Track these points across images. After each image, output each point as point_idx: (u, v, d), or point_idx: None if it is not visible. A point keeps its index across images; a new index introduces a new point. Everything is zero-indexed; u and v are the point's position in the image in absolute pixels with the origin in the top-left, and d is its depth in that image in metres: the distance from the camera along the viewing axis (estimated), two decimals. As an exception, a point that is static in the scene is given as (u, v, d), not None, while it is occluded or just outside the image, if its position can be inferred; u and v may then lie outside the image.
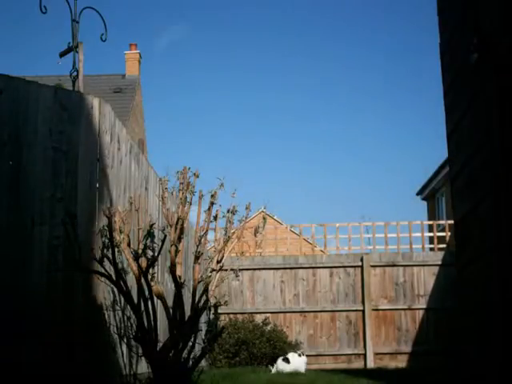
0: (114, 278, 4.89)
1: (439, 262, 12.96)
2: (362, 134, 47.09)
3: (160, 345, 5.06)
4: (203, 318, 6.48)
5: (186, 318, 5.20)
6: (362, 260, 13.06)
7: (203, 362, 9.19)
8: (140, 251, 5.05)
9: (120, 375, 5.57)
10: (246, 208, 5.62)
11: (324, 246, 14.48)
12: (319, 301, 13.05)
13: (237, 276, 5.61)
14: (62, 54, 5.86)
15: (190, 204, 5.31)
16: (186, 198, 5.27)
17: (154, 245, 5.33)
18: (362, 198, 45.01)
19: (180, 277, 5.27)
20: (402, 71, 46.36)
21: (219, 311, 11.67)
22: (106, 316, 5.31)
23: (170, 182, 5.35)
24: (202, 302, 5.35)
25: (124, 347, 5.61)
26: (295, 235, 17.37)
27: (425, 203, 23.16)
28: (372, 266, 13.04)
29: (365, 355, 12.74)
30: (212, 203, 5.38)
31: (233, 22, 44.08)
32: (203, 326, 5.66)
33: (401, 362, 12.59)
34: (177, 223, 5.20)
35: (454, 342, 9.42)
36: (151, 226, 5.33)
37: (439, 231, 15.13)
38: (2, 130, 4.65)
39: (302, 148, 47.34)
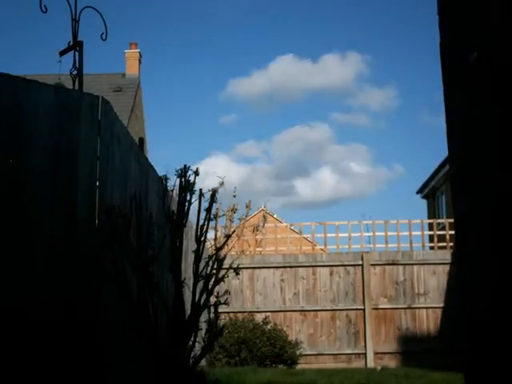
0: (113, 276, 4.90)
1: (439, 261, 12.97)
2: (361, 133, 47.08)
3: (160, 344, 5.06)
4: (203, 317, 6.48)
5: (186, 316, 5.20)
6: (362, 259, 13.05)
7: (203, 361, 9.19)
8: (140, 249, 5.06)
9: (119, 375, 5.56)
10: (246, 207, 5.63)
11: (324, 244, 14.47)
12: (319, 300, 13.05)
13: (237, 274, 5.61)
14: (63, 53, 5.85)
15: (190, 202, 5.31)
16: (186, 196, 5.28)
17: (154, 243, 5.33)
18: (362, 196, 45.00)
19: (180, 275, 5.27)
20: (402, 68, 46.33)
21: (219, 310, 11.66)
22: (106, 314, 5.31)
23: (170, 180, 5.37)
24: (202, 300, 5.36)
25: (123, 346, 5.61)
26: (295, 234, 17.36)
27: (425, 202, 23.16)
28: (372, 265, 13.04)
29: (365, 354, 12.74)
30: (212, 202, 5.39)
31: (232, 19, 44.07)
32: (203, 325, 5.66)
33: (401, 362, 12.59)
34: (177, 222, 5.21)
35: (455, 341, 9.42)
36: (151, 224, 5.34)
37: (439, 230, 15.14)
38: (1, 129, 4.65)
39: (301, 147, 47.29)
